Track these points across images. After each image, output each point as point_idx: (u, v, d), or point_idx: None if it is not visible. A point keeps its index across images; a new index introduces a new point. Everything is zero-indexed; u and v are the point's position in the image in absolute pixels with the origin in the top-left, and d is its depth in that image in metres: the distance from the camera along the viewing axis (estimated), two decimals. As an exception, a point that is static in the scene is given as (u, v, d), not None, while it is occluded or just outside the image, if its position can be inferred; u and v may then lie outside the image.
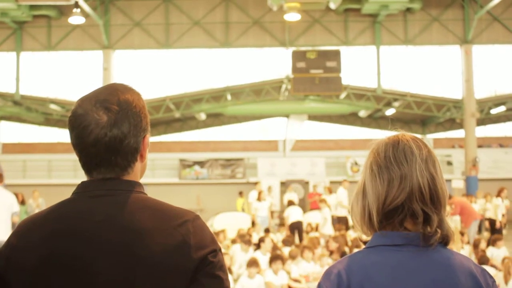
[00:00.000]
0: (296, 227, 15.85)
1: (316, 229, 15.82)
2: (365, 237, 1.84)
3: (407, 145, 1.78)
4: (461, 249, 11.26)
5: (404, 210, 1.72)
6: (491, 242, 12.05)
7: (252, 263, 9.17)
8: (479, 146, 25.90)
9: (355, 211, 1.84)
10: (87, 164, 1.74)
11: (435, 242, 1.72)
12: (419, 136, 1.86)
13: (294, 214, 16.10)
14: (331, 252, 11.48)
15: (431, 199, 1.73)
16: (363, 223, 1.81)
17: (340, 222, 16.07)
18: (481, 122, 27.37)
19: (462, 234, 12.63)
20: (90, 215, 1.66)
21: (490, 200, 18.34)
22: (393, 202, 1.72)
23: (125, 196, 1.70)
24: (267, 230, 15.68)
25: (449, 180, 23.63)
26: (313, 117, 28.66)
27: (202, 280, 1.64)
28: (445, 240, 1.76)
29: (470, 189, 23.14)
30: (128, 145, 1.71)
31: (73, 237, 1.64)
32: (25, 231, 1.70)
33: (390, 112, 26.98)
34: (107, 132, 1.67)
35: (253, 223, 16.45)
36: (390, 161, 1.77)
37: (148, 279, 1.60)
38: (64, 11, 24.18)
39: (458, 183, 17.75)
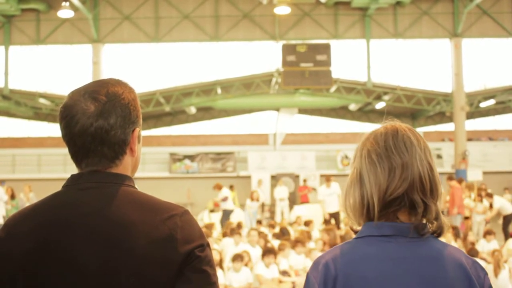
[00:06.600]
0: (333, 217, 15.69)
1: (306, 223, 15.79)
2: (355, 227, 1.81)
3: (406, 135, 1.77)
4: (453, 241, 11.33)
5: (404, 200, 1.70)
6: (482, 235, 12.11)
7: (237, 257, 9.15)
8: (469, 140, 25.98)
9: (350, 201, 1.79)
10: (75, 154, 1.75)
11: (427, 233, 1.70)
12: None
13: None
14: (324, 243, 11.47)
15: (431, 189, 1.72)
16: (361, 214, 1.77)
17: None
18: (470, 115, 27.48)
19: (454, 228, 12.68)
20: (78, 207, 1.66)
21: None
22: (394, 192, 1.70)
23: (113, 188, 1.70)
24: (259, 222, 15.81)
25: (441, 174, 23.81)
26: (303, 110, 28.67)
27: (189, 275, 1.63)
28: (438, 232, 1.74)
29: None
30: (115, 136, 1.71)
31: (60, 228, 1.64)
32: (13, 224, 1.70)
33: (380, 105, 27.04)
34: (93, 122, 1.69)
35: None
36: (391, 150, 1.74)
37: (133, 270, 1.60)
38: (53, 4, 24.04)
39: (477, 174, 16.39)
